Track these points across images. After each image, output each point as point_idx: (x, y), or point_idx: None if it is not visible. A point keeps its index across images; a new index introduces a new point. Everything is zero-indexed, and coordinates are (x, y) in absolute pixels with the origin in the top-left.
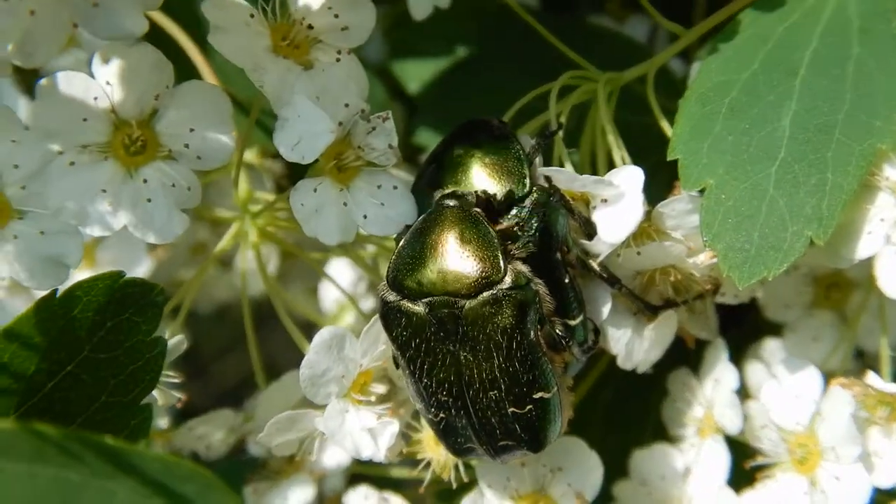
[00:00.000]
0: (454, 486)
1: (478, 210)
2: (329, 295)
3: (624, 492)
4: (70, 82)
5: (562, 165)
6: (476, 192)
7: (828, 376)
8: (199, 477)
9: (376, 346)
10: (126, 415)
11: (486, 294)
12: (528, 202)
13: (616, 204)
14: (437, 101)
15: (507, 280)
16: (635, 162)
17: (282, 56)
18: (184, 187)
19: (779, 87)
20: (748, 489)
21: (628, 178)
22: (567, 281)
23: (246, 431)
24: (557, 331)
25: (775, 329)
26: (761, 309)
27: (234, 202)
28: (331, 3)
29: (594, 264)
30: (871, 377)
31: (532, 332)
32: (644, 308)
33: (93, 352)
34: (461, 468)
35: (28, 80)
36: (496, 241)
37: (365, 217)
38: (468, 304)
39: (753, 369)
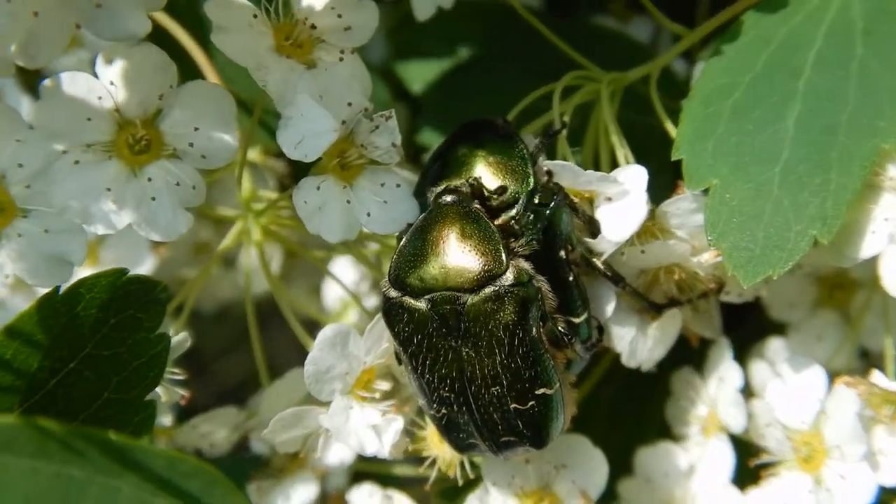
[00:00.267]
0: (460, 483)
1: (477, 206)
2: (332, 293)
3: (628, 490)
4: (74, 82)
5: None
6: (468, 181)
7: (832, 375)
8: (203, 473)
9: (380, 344)
10: (129, 412)
11: (488, 290)
12: (532, 200)
13: (620, 202)
14: (440, 102)
15: (510, 276)
16: (638, 161)
17: (285, 56)
18: (188, 186)
19: (782, 88)
20: (753, 487)
21: (632, 177)
22: (571, 279)
23: (249, 429)
24: (560, 328)
25: (779, 328)
26: (765, 308)
27: (237, 201)
28: (334, 4)
29: (598, 262)
30: (876, 376)
31: (534, 329)
32: (648, 306)
33: (96, 349)
34: (467, 465)
35: (31, 80)
36: (496, 234)
37: (368, 215)
38: (470, 299)
39: (757, 368)
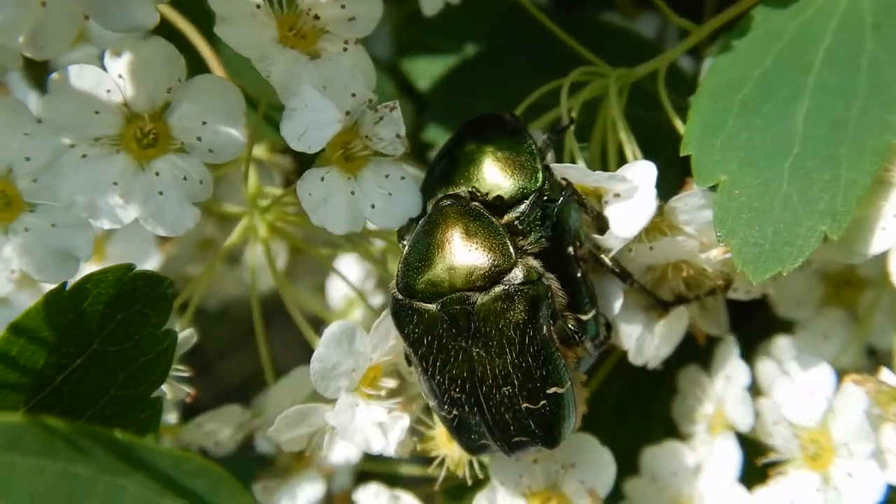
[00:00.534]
0: (469, 482)
1: (476, 203)
2: (337, 291)
3: (635, 489)
4: (82, 75)
5: (573, 160)
6: (469, 189)
7: (839, 373)
8: (209, 472)
9: (386, 341)
10: (136, 408)
11: (497, 289)
12: (541, 197)
13: (629, 199)
14: (447, 98)
15: (519, 275)
16: (646, 157)
17: (288, 46)
18: (195, 180)
19: (792, 84)
20: (760, 486)
21: (641, 173)
22: (579, 276)
23: (254, 428)
24: (570, 326)
25: (786, 326)
26: (772, 306)
27: (243, 197)
28: None
29: (606, 259)
30: (884, 374)
31: (545, 327)
32: (655, 304)
33: (102, 345)
34: (475, 465)
35: (38, 73)
36: (501, 229)
37: (373, 207)
38: (480, 299)
39: (764, 366)
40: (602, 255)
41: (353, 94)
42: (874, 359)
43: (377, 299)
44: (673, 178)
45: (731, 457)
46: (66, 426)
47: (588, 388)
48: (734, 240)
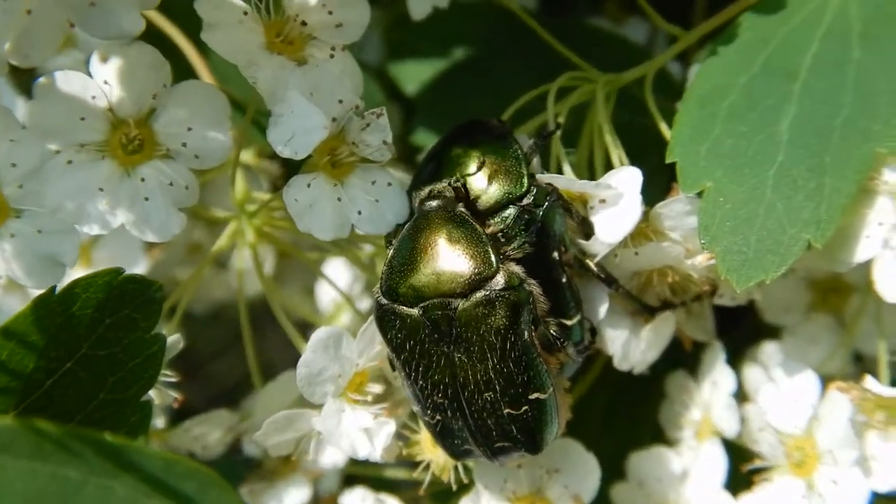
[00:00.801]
0: (454, 487)
1: (462, 209)
2: (325, 295)
3: (621, 494)
4: (68, 81)
5: (560, 165)
6: (451, 183)
7: (826, 380)
8: (198, 474)
9: (372, 347)
10: (125, 412)
11: (479, 295)
12: (525, 201)
13: (614, 205)
14: (435, 102)
15: (501, 280)
16: (633, 163)
17: (275, 52)
18: (181, 186)
19: (778, 91)
20: (746, 492)
21: (627, 179)
22: (564, 281)
23: (242, 431)
24: (552, 331)
25: (773, 332)
26: (759, 311)
27: (230, 202)
28: (325, 0)
29: (591, 264)
30: (868, 381)
31: (526, 333)
32: (641, 309)
33: (91, 349)
34: (461, 469)
35: (25, 79)
36: (484, 236)
37: (359, 213)
38: (461, 304)
39: (751, 372)
40: (587, 261)
41: (340, 101)
42: (861, 365)
43: (365, 303)
44: (660, 184)
45: (717, 463)
46: (56, 429)
47: (574, 394)
48: (718, 247)
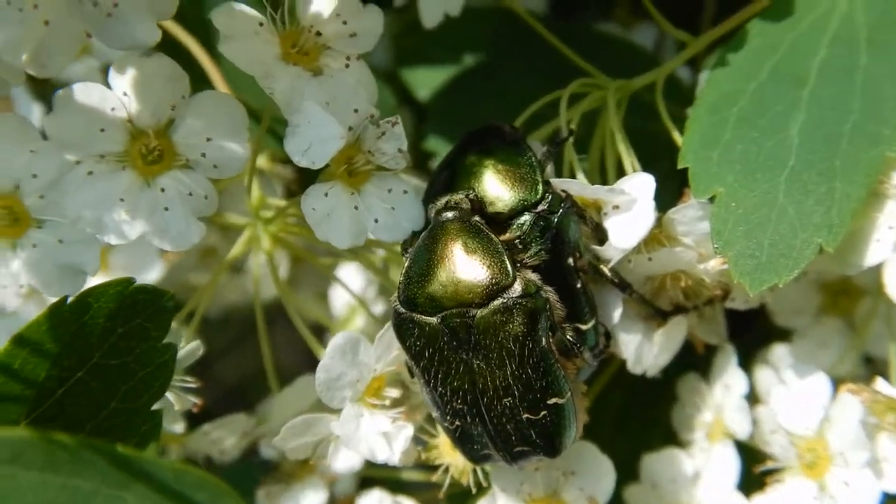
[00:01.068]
0: (473, 490)
1: (477, 219)
2: (340, 299)
3: (634, 496)
4: (87, 93)
5: (573, 172)
6: (468, 195)
7: (836, 382)
8: (210, 485)
9: (389, 352)
10: (136, 421)
11: (496, 303)
12: (540, 208)
13: (627, 211)
14: (446, 108)
15: (518, 288)
16: (645, 168)
17: (291, 63)
18: (200, 196)
19: (787, 97)
20: (758, 493)
21: (640, 185)
22: (579, 286)
23: (259, 435)
24: (569, 337)
25: (783, 334)
26: (770, 315)
27: (245, 207)
28: (339, 10)
29: (605, 270)
30: (879, 383)
31: (543, 340)
32: (654, 313)
33: (103, 358)
34: (479, 472)
35: (42, 88)
36: (500, 246)
37: (376, 221)
38: (479, 313)
39: (762, 374)
40: (601, 266)
41: (356, 110)
42: (871, 367)
43: (379, 307)
44: (672, 189)
45: (729, 464)
46: (68, 440)
47: (589, 397)
48: (731, 252)
